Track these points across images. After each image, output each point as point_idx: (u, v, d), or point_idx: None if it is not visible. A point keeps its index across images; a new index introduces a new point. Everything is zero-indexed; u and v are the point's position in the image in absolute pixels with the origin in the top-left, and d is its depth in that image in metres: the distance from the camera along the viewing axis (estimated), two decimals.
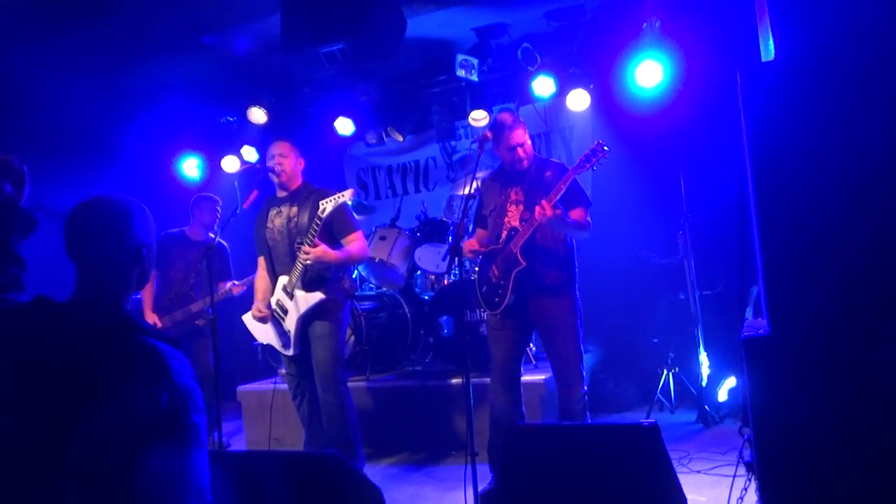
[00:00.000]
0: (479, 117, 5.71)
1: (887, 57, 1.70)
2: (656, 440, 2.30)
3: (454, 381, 4.54)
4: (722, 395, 4.67)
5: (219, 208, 4.97)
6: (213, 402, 3.74)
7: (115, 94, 5.58)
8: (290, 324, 3.71)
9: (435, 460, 4.32)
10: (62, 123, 5.29)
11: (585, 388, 3.48)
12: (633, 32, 4.70)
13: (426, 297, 5.18)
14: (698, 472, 3.63)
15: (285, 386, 3.96)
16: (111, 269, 1.49)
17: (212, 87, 5.97)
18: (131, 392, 1.28)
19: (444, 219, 5.24)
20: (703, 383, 4.65)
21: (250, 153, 6.18)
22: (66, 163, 5.36)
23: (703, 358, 4.70)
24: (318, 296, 3.66)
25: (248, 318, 3.91)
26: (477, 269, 3.85)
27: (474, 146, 3.41)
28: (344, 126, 6.06)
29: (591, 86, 5.36)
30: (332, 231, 3.71)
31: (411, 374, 4.94)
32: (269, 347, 3.94)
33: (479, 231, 3.78)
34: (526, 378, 4.23)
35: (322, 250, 3.56)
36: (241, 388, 5.06)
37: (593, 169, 3.35)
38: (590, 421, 3.57)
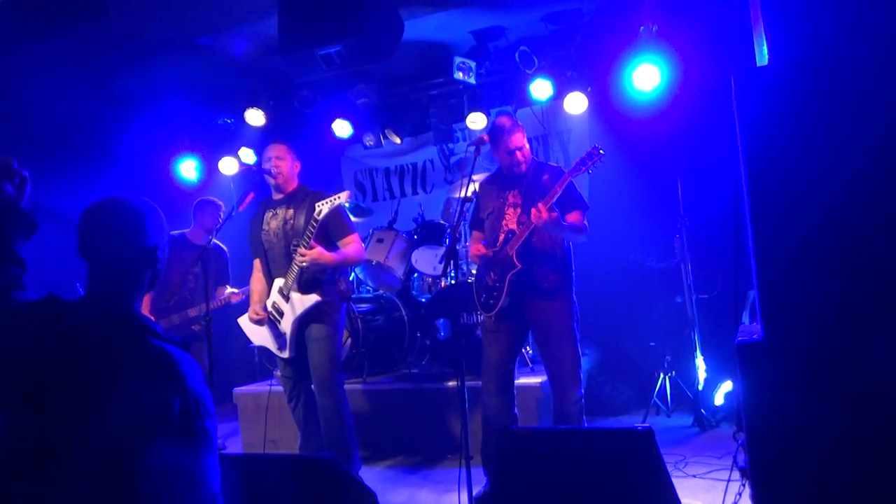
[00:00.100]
0: (476, 120, 5.71)
1: (879, 62, 1.70)
2: (651, 444, 2.30)
3: (450, 383, 4.54)
4: (718, 399, 4.67)
5: (221, 213, 4.96)
6: None
7: (112, 96, 5.58)
8: (286, 326, 3.70)
9: (431, 463, 4.32)
10: (59, 125, 5.28)
11: (582, 391, 3.47)
12: (630, 36, 4.70)
13: (423, 300, 5.18)
14: (694, 476, 3.62)
15: (281, 388, 3.95)
16: (124, 269, 1.49)
17: (209, 88, 5.96)
18: (144, 397, 1.28)
19: (442, 221, 5.24)
20: (700, 387, 4.65)
21: (248, 155, 6.18)
22: (64, 165, 5.35)
23: (700, 362, 4.69)
24: (314, 298, 3.65)
25: (243, 321, 3.90)
26: (474, 271, 3.85)
27: (471, 149, 3.42)
28: (341, 128, 6.06)
29: (589, 89, 5.36)
30: (329, 233, 3.71)
31: (408, 376, 4.93)
32: (264, 350, 3.94)
33: (475, 234, 3.78)
34: (522, 381, 4.24)
35: (318, 252, 3.56)
36: (238, 391, 5.05)
37: (589, 172, 3.35)
38: (586, 424, 3.57)
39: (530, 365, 4.74)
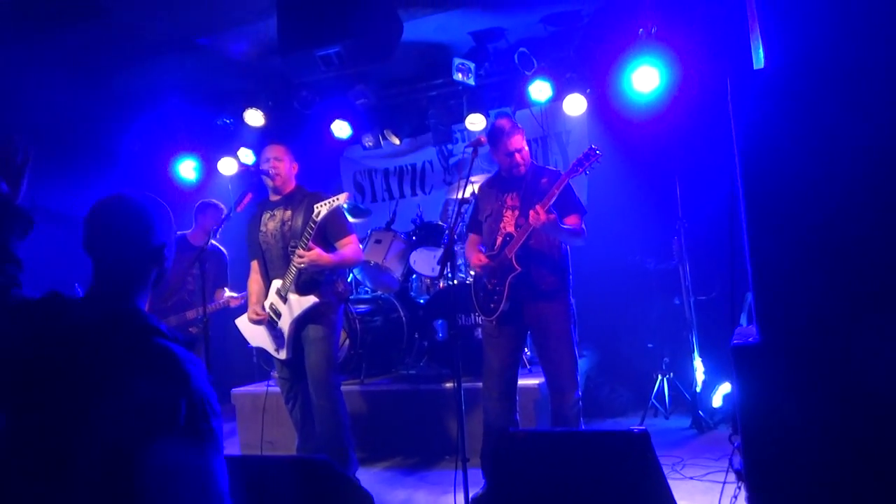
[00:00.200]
0: (475, 121, 5.71)
1: (875, 65, 1.70)
2: (647, 447, 2.30)
3: (448, 385, 4.54)
4: (716, 401, 4.66)
5: (223, 216, 4.96)
6: None
7: (111, 96, 5.58)
8: (284, 327, 3.70)
9: (428, 465, 4.32)
10: (58, 125, 5.28)
11: (579, 393, 3.47)
12: (629, 38, 4.70)
13: (421, 301, 5.18)
14: (691, 478, 3.62)
15: (278, 389, 3.95)
16: (130, 267, 1.47)
17: (208, 89, 5.97)
18: (149, 397, 1.26)
19: (440, 223, 5.24)
20: (698, 389, 4.65)
21: (247, 155, 6.18)
22: (63, 164, 5.34)
23: (698, 363, 4.69)
24: (311, 299, 3.65)
25: (241, 322, 3.90)
26: (472, 274, 3.85)
27: (468, 150, 3.42)
28: (341, 129, 6.06)
29: (588, 90, 5.36)
30: (327, 234, 3.71)
31: (406, 377, 4.93)
32: (262, 351, 3.93)
33: (472, 236, 3.78)
34: (520, 382, 4.21)
35: (316, 254, 3.56)
36: (236, 391, 5.05)
37: (586, 173, 3.36)
38: (583, 426, 3.57)
39: (528, 366, 4.74)
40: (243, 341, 3.98)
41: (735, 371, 1.95)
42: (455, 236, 3.74)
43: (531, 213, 3.21)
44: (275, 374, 3.94)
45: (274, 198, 3.83)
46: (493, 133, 3.52)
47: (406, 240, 5.07)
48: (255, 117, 5.94)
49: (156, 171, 6.33)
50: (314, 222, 3.56)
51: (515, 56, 5.15)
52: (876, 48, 1.71)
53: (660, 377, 4.92)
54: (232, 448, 5.02)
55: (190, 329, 4.76)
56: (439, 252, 4.88)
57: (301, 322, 3.68)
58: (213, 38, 5.02)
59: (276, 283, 3.72)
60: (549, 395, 3.54)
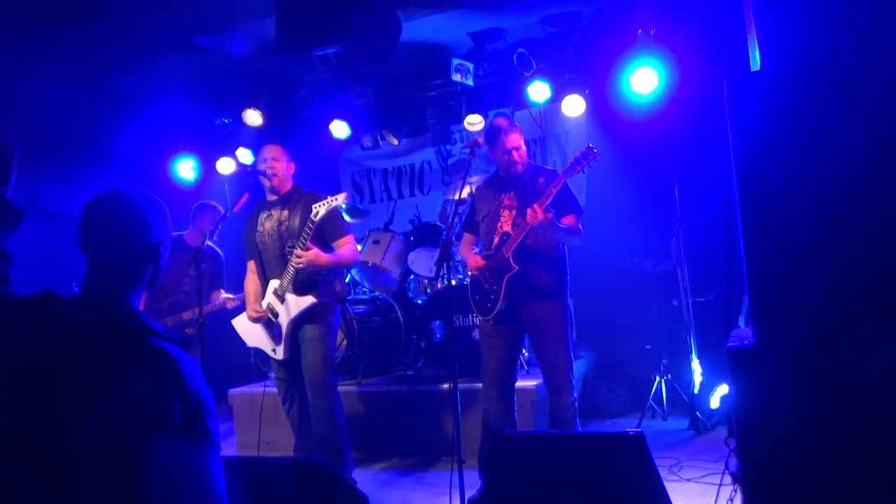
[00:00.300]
0: (474, 122, 5.71)
1: (871, 68, 1.69)
2: (642, 449, 2.29)
3: (445, 386, 4.53)
4: (714, 403, 4.66)
5: (220, 217, 4.95)
6: None
7: (110, 95, 5.57)
8: (281, 327, 3.70)
9: (425, 466, 4.31)
10: (57, 124, 5.27)
11: (575, 394, 3.47)
12: (628, 39, 4.70)
13: (419, 302, 5.17)
14: (688, 480, 3.62)
15: (275, 390, 3.94)
16: (125, 264, 1.45)
17: (207, 88, 5.96)
18: (144, 398, 1.24)
19: (439, 223, 5.23)
20: (696, 390, 4.65)
21: (245, 155, 6.17)
22: (61, 164, 5.35)
23: (696, 365, 4.69)
24: (309, 299, 3.64)
25: (237, 322, 3.90)
26: (469, 274, 3.84)
27: (465, 151, 3.42)
28: (339, 129, 6.05)
29: (587, 91, 5.36)
30: (324, 234, 3.71)
31: (403, 378, 4.92)
32: (259, 351, 3.93)
33: (467, 236, 3.77)
34: (518, 384, 4.22)
35: (314, 254, 3.56)
36: (233, 392, 5.05)
37: (583, 171, 3.36)
38: (580, 427, 3.56)
39: (526, 367, 4.74)
40: (241, 342, 3.98)
41: (731, 373, 1.95)
42: (453, 238, 3.74)
43: (528, 211, 3.20)
44: (272, 374, 3.94)
45: (271, 198, 3.83)
46: (491, 131, 3.52)
47: (404, 240, 5.06)
48: (253, 117, 5.93)
49: (154, 170, 6.32)
50: (312, 222, 3.56)
51: (514, 57, 5.14)
52: (872, 50, 1.71)
53: (658, 378, 4.91)
54: (229, 448, 5.02)
55: (186, 330, 4.76)
56: (437, 253, 4.87)
57: (298, 322, 3.67)
58: (212, 38, 5.02)
59: (274, 284, 3.72)
60: (547, 395, 3.54)
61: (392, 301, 5.16)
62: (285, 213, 3.72)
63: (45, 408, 1.25)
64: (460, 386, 3.18)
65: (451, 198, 5.20)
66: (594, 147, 3.32)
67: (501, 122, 3.54)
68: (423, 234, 5.09)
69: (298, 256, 3.53)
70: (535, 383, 4.22)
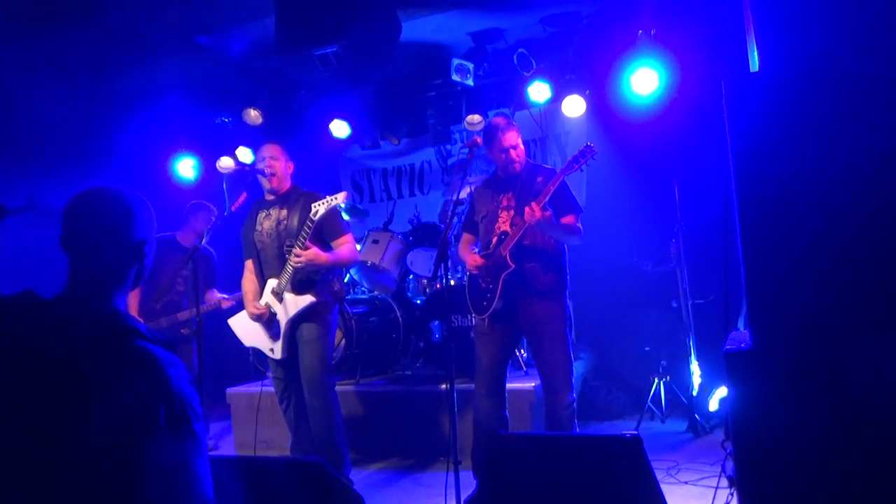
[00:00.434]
0: (474, 122, 5.70)
1: (869, 69, 1.68)
2: (639, 452, 2.29)
3: (444, 386, 4.52)
4: (713, 405, 4.64)
5: (213, 217, 4.96)
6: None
7: (110, 94, 5.57)
8: (279, 327, 3.69)
9: (422, 466, 4.30)
10: (57, 123, 5.27)
11: (574, 395, 3.46)
12: (628, 40, 4.69)
13: (418, 302, 5.17)
14: (686, 482, 3.60)
15: (273, 389, 3.93)
16: (109, 264, 1.41)
17: (207, 88, 5.95)
18: (128, 402, 1.22)
19: (439, 224, 5.23)
20: (694, 392, 4.63)
21: (245, 154, 6.17)
22: (61, 163, 5.35)
23: (695, 367, 4.68)
24: (307, 299, 3.64)
25: (234, 322, 3.89)
26: (468, 273, 3.83)
27: (464, 151, 3.41)
28: (339, 128, 6.05)
29: (587, 92, 5.35)
30: (323, 234, 3.70)
31: (401, 378, 4.92)
32: (256, 350, 3.92)
33: (466, 236, 3.77)
34: (515, 385, 4.22)
35: (313, 253, 3.55)
36: (230, 391, 5.04)
37: (581, 170, 3.35)
38: (577, 429, 3.55)
39: (524, 368, 4.73)
40: (239, 341, 3.97)
41: (727, 376, 1.94)
42: (452, 238, 3.73)
43: (526, 209, 3.19)
44: (270, 373, 3.93)
45: (269, 197, 3.82)
46: (488, 130, 3.51)
47: (403, 240, 5.06)
48: (253, 116, 5.93)
49: (155, 169, 6.33)
50: (311, 221, 3.55)
51: (514, 57, 5.13)
52: (871, 51, 1.70)
53: (656, 380, 4.90)
54: (227, 447, 5.02)
55: (182, 330, 4.77)
56: (436, 253, 4.87)
57: (296, 321, 3.67)
58: (213, 38, 5.01)
59: (272, 283, 3.71)
60: (544, 396, 3.53)
61: (391, 301, 5.16)
62: (284, 212, 3.72)
63: (26, 411, 1.23)
64: (458, 387, 3.17)
65: (451, 198, 5.19)
66: (593, 145, 3.31)
67: (499, 121, 3.53)
68: (423, 234, 5.09)
69: (297, 255, 3.53)
70: (532, 384, 4.21)
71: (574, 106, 5.35)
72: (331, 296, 3.78)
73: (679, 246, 4.80)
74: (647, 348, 5.22)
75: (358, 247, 4.31)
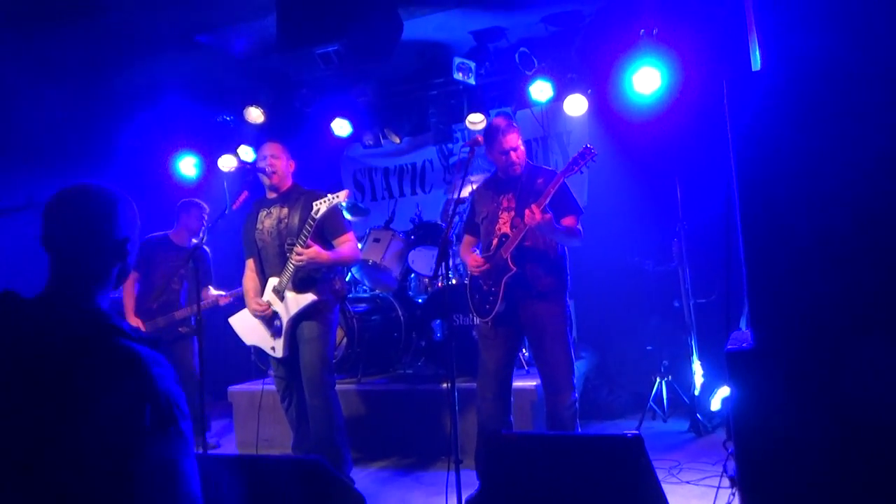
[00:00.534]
0: (476, 121, 5.69)
1: (871, 68, 1.68)
2: (640, 452, 2.28)
3: (445, 385, 4.51)
4: (715, 405, 4.64)
5: (205, 215, 4.96)
6: (197, 405, 3.72)
7: (111, 93, 5.57)
8: (280, 325, 3.69)
9: (424, 465, 4.30)
10: (57, 123, 5.28)
11: (575, 395, 3.45)
12: (630, 39, 4.68)
13: (419, 301, 5.16)
14: (687, 482, 3.60)
15: (275, 387, 3.94)
16: (90, 262, 1.38)
17: (209, 86, 5.96)
18: (112, 405, 1.20)
19: (440, 222, 5.22)
20: (697, 392, 4.62)
21: (247, 153, 6.18)
22: (61, 162, 5.35)
23: (697, 366, 4.67)
24: (309, 297, 3.64)
25: (235, 321, 3.89)
26: (469, 275, 3.83)
27: (465, 150, 3.40)
28: (341, 127, 6.05)
29: (589, 91, 5.34)
30: (324, 232, 3.70)
31: (403, 377, 4.92)
32: (258, 349, 3.92)
33: (467, 237, 3.76)
34: (517, 384, 4.20)
35: (315, 251, 3.55)
36: (232, 389, 5.05)
37: (581, 171, 3.34)
38: (580, 428, 3.55)
39: (526, 368, 4.72)
40: (240, 339, 3.97)
41: (729, 376, 1.94)
42: (453, 236, 3.72)
43: (526, 212, 3.19)
44: (271, 372, 3.93)
45: (270, 195, 3.82)
46: (489, 131, 3.50)
47: (405, 239, 5.05)
48: (255, 115, 5.93)
49: (156, 167, 6.33)
50: (313, 219, 3.54)
51: (516, 56, 5.12)
52: (873, 51, 1.69)
53: (658, 380, 4.89)
54: (228, 446, 5.02)
55: (179, 329, 4.78)
56: (437, 251, 4.87)
57: (297, 320, 3.67)
58: (214, 36, 5.01)
59: (273, 281, 3.71)
60: (545, 396, 3.52)
61: (392, 299, 5.15)
62: (285, 210, 3.72)
63: (7, 412, 1.21)
64: (460, 385, 3.17)
65: (452, 197, 5.19)
66: (592, 148, 3.30)
67: (499, 122, 3.52)
68: (424, 233, 5.08)
69: (299, 254, 3.52)
70: (534, 383, 4.20)
71: (576, 105, 5.34)
72: (332, 294, 3.77)
73: (681, 245, 4.79)
74: (648, 348, 5.21)
75: (359, 245, 4.31)
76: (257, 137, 6.04)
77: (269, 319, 3.72)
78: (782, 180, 1.79)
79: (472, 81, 5.20)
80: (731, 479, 2.81)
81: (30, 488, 1.19)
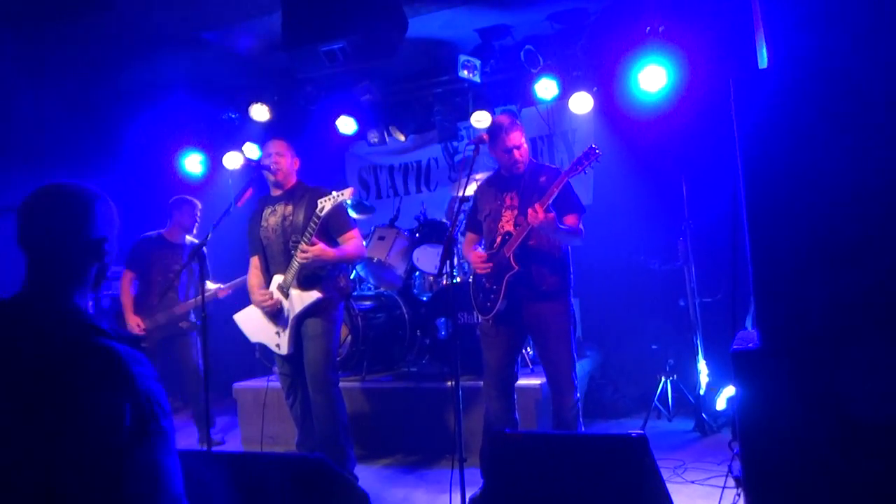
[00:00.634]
0: (481, 118, 5.68)
1: (879, 66, 1.66)
2: (644, 452, 2.27)
3: (449, 383, 4.51)
4: (720, 404, 4.62)
5: (198, 211, 4.97)
6: (203, 401, 3.73)
7: (116, 90, 5.59)
8: (285, 323, 3.69)
9: (428, 463, 4.30)
10: (63, 118, 5.29)
11: (578, 394, 3.44)
12: (636, 36, 4.66)
13: (424, 299, 5.16)
14: (692, 482, 3.58)
15: (279, 384, 3.94)
16: (66, 262, 1.37)
17: (214, 83, 5.97)
18: (91, 403, 1.20)
19: (445, 220, 5.22)
20: (702, 391, 4.61)
21: (253, 150, 6.19)
22: (67, 158, 5.37)
23: (702, 366, 4.65)
24: (314, 295, 3.64)
25: (240, 318, 3.89)
26: (473, 272, 3.82)
27: (470, 148, 3.39)
28: (346, 125, 6.05)
29: (595, 89, 5.32)
30: (329, 229, 3.70)
31: (407, 375, 4.91)
32: (263, 346, 3.92)
33: (469, 235, 3.75)
34: (522, 382, 4.21)
35: (320, 248, 3.55)
36: (237, 386, 5.05)
37: (584, 172, 3.32)
38: (583, 427, 3.54)
39: (531, 366, 4.72)
40: (245, 336, 3.98)
41: (735, 376, 1.92)
42: (458, 235, 3.71)
43: (529, 211, 3.18)
44: (276, 369, 3.94)
45: (275, 193, 3.82)
46: (492, 129, 3.49)
47: (409, 237, 5.05)
48: (260, 112, 5.94)
49: (161, 165, 6.35)
50: (318, 217, 3.54)
51: (521, 53, 5.11)
52: (882, 49, 1.67)
53: (663, 379, 4.88)
54: (233, 442, 5.04)
55: (180, 324, 4.80)
56: (442, 249, 4.86)
57: (302, 317, 3.66)
58: (219, 33, 5.02)
59: (278, 279, 3.71)
60: (550, 395, 3.52)
61: (397, 297, 5.15)
62: (289, 208, 3.71)
63: None
64: (464, 383, 3.17)
65: (457, 195, 5.18)
66: (596, 148, 3.29)
67: (502, 120, 3.51)
68: (429, 231, 5.08)
69: (304, 251, 3.52)
70: (538, 382, 4.20)
71: (581, 103, 5.32)
72: (337, 292, 3.77)
73: (687, 244, 4.77)
74: (654, 347, 5.20)
75: (364, 242, 4.31)
76: (262, 135, 6.05)
77: (274, 316, 3.72)
78: (789, 179, 1.78)
79: (477, 79, 5.19)
80: (737, 479, 2.79)
81: (10, 488, 1.18)
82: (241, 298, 4.04)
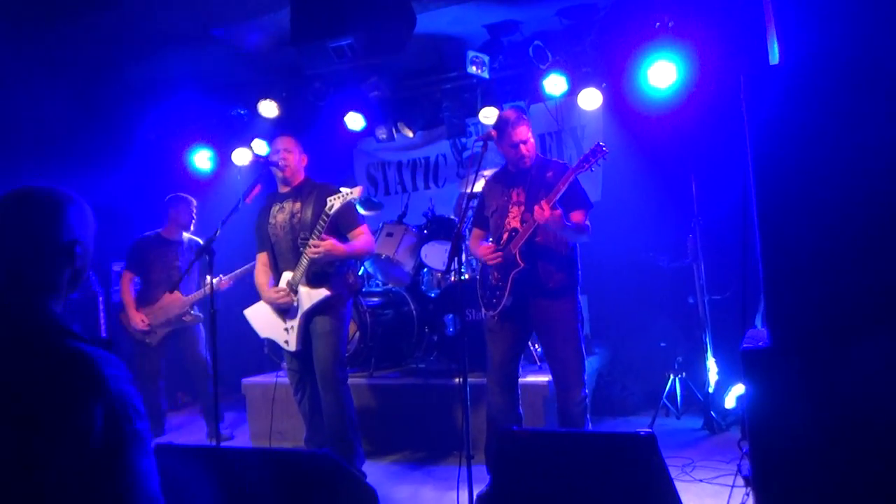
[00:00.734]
0: (489, 115, 5.66)
1: (889, 65, 1.64)
2: (652, 450, 2.26)
3: (457, 380, 4.51)
4: (729, 402, 4.60)
5: (194, 208, 4.99)
6: (211, 396, 3.75)
7: (126, 86, 5.62)
8: (294, 319, 3.70)
9: (435, 460, 4.31)
10: (73, 115, 5.32)
11: (585, 392, 3.43)
12: (646, 32, 4.63)
13: (432, 295, 5.16)
14: (701, 480, 3.57)
15: (288, 380, 3.95)
16: (35, 266, 1.34)
17: (223, 80, 5.98)
18: (63, 407, 1.18)
19: (453, 217, 5.21)
20: (711, 389, 4.59)
21: (261, 146, 6.20)
22: (77, 155, 5.40)
23: (711, 364, 4.63)
24: (323, 292, 3.64)
25: (250, 313, 3.90)
26: (480, 267, 3.82)
27: (478, 144, 3.38)
28: (354, 121, 6.05)
29: (604, 85, 5.30)
30: (338, 226, 3.70)
31: (415, 371, 4.92)
32: (271, 342, 3.94)
33: (476, 231, 3.74)
34: (529, 379, 4.21)
35: (331, 244, 3.55)
36: (246, 381, 5.07)
37: (591, 169, 3.30)
38: (590, 424, 3.53)
39: (538, 363, 4.71)
40: (254, 331, 3.99)
41: (744, 375, 1.91)
42: (466, 231, 3.70)
43: (536, 208, 3.17)
44: (284, 365, 3.95)
45: (283, 189, 3.83)
46: (498, 124, 3.47)
47: (417, 233, 5.05)
48: (269, 108, 5.95)
49: (171, 161, 6.37)
50: (327, 215, 3.55)
51: (530, 49, 5.09)
52: (893, 45, 1.65)
53: (672, 377, 4.86)
54: (242, 437, 5.06)
55: (184, 318, 4.83)
56: (450, 246, 4.85)
57: (311, 314, 3.67)
58: (228, 30, 5.03)
59: (286, 276, 3.72)
60: (556, 392, 3.51)
61: (405, 294, 5.15)
62: (297, 204, 3.72)
63: None
64: (472, 381, 3.16)
65: (465, 191, 5.17)
66: (604, 145, 3.27)
67: (509, 114, 3.50)
68: (437, 228, 5.07)
69: (315, 246, 3.52)
70: (546, 379, 4.19)
71: (590, 99, 5.29)
72: (345, 289, 3.78)
73: (696, 241, 4.75)
74: (662, 344, 5.18)
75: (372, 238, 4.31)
76: (271, 131, 6.06)
77: (284, 313, 3.73)
78: (800, 176, 1.76)
79: (485, 75, 5.17)
80: (746, 478, 2.78)
81: None
82: (251, 293, 4.04)
